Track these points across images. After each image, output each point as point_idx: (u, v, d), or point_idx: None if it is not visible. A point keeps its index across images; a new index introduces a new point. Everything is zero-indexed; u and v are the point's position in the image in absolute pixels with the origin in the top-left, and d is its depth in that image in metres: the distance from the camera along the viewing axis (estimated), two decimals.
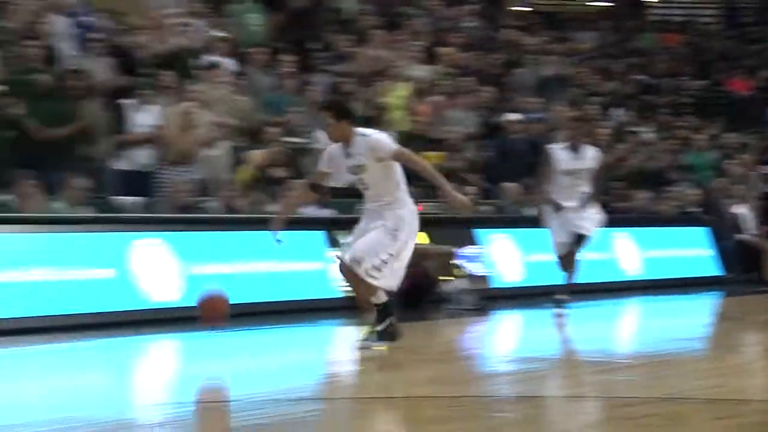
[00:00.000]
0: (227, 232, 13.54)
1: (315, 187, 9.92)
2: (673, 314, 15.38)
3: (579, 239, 13.15)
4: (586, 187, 13.15)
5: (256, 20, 18.58)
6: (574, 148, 13.20)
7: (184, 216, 13.46)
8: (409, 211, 9.68)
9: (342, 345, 12.48)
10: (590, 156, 13.26)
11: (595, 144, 14.17)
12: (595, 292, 15.85)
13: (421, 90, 18.45)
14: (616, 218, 17.52)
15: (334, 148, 9.57)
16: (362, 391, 8.60)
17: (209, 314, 9.61)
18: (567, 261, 13.23)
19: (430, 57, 19.84)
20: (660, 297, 17.16)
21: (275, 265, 13.57)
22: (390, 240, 9.51)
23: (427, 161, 10.20)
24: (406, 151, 9.68)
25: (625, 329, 14.29)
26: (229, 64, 16.51)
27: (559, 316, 12.97)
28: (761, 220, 20.37)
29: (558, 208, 13.10)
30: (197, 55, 16.45)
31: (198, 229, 13.34)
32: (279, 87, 17.03)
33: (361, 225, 9.66)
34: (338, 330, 13.00)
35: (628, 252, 18.20)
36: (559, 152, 13.23)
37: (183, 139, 14.43)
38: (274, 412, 7.22)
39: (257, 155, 15.22)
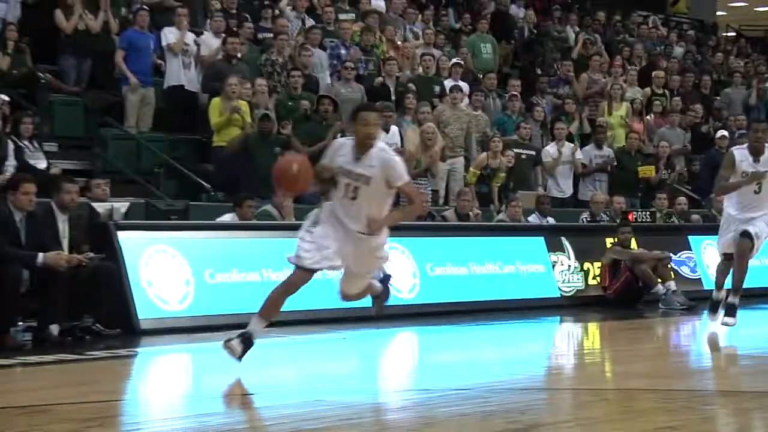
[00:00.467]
0: (460, 237, 13.54)
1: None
2: None
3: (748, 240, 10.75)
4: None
5: (488, 49, 18.59)
6: (756, 152, 10.81)
7: (424, 224, 13.50)
8: (384, 239, 8.13)
9: (562, 340, 12.34)
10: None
11: None
12: None
13: (636, 109, 18.14)
14: None
15: (344, 145, 8.07)
16: (581, 383, 8.47)
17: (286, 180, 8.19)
18: (733, 263, 11.00)
19: (644, 79, 19.46)
20: None
21: (502, 267, 13.51)
22: (369, 266, 8.24)
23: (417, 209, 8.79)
24: (413, 188, 8.48)
25: None
26: (464, 87, 16.56)
27: (726, 324, 10.90)
28: None
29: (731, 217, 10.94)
30: (437, 80, 16.55)
31: (435, 235, 13.38)
32: (507, 108, 16.98)
33: (326, 230, 7.98)
34: (559, 326, 12.85)
35: None
36: (741, 154, 10.92)
37: (423, 156, 14.51)
38: (500, 400, 7.18)
39: (482, 158, 15.25)
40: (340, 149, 8.05)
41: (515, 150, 15.72)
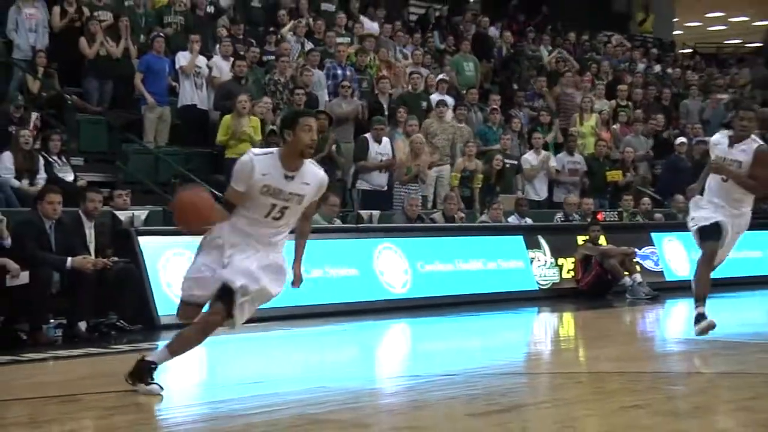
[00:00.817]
0: (447, 237, 13.53)
1: (230, 207, 6.39)
2: None
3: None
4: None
5: (470, 68, 18.57)
6: (736, 140, 8.98)
7: (414, 225, 13.49)
8: (284, 257, 6.55)
9: (539, 328, 12.32)
10: (747, 149, 8.93)
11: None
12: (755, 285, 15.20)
13: (604, 120, 18.13)
14: None
15: (264, 162, 6.24)
16: (557, 367, 8.46)
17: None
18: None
19: (610, 92, 19.46)
20: None
21: (485, 263, 13.50)
22: (276, 284, 6.49)
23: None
24: None
25: None
26: (449, 101, 16.55)
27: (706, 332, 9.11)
28: None
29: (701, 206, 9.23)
30: (425, 96, 16.54)
31: (424, 235, 13.36)
32: (488, 120, 16.96)
33: (239, 256, 6.32)
34: (536, 316, 12.84)
35: None
36: (718, 139, 9.20)
37: (413, 164, 14.48)
38: (484, 384, 7.17)
39: (459, 162, 15.24)
40: (261, 166, 6.23)
41: (503, 159, 15.76)
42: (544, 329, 12.18)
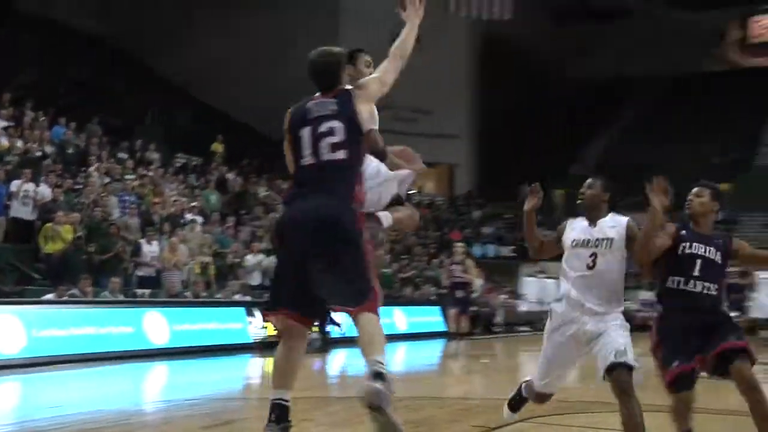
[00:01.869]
0: (195, 308, 13.35)
1: None
2: None
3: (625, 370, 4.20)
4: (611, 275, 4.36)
5: (214, 199, 18.54)
6: (591, 216, 4.47)
7: (174, 300, 13.23)
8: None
9: (251, 369, 12.22)
10: (617, 224, 4.46)
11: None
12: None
13: None
14: None
15: None
16: (266, 393, 8.43)
17: None
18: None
19: None
20: None
21: (218, 324, 13.37)
22: None
23: None
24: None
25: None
26: (199, 220, 16.45)
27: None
28: None
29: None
30: (183, 216, 16.35)
31: (181, 306, 13.13)
32: (224, 233, 16.98)
33: None
34: (250, 360, 12.75)
35: None
36: (574, 222, 4.55)
37: (173, 259, 14.25)
38: (212, 406, 7.00)
39: (198, 259, 14.98)
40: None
41: (233, 258, 15.75)
42: (255, 370, 12.16)
